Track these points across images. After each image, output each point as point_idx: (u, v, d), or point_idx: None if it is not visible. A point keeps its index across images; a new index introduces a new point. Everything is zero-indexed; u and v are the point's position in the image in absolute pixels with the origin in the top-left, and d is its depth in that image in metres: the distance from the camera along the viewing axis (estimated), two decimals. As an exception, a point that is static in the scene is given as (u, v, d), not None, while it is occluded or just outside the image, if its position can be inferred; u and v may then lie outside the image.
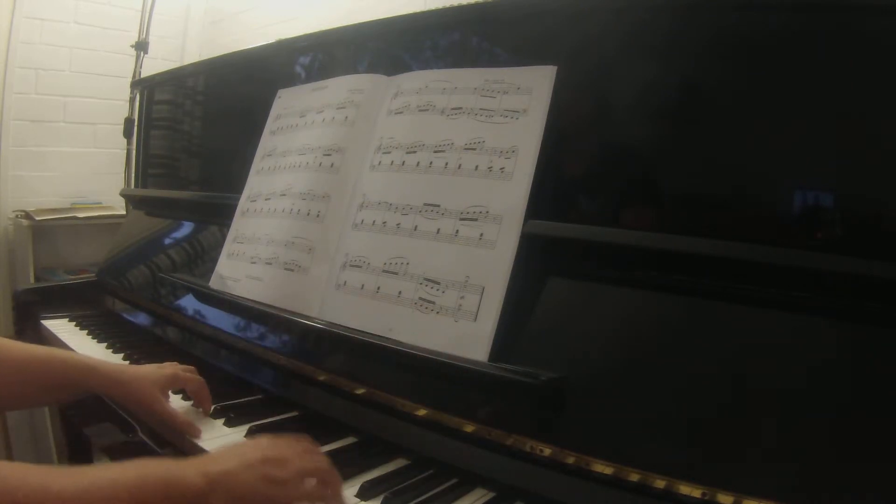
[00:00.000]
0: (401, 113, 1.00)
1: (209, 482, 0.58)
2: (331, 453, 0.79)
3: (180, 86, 1.73)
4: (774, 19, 0.72)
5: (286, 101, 1.24)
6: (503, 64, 0.93)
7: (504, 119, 0.88)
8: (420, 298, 0.86)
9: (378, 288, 0.91)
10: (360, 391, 0.87)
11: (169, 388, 0.90)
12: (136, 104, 1.92)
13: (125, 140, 2.10)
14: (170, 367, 0.92)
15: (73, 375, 0.85)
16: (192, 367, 0.95)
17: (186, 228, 1.47)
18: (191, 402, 0.93)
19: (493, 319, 0.79)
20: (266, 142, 1.24)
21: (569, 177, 0.88)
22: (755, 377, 0.63)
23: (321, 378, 0.93)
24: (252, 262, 1.12)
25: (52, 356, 0.87)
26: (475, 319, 0.80)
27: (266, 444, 0.66)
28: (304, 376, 0.95)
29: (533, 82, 0.87)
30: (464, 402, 0.78)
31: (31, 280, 2.46)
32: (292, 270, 1.04)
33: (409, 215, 0.92)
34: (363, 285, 0.93)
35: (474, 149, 0.89)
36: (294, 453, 0.66)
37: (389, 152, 0.99)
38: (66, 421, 1.55)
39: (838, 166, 0.67)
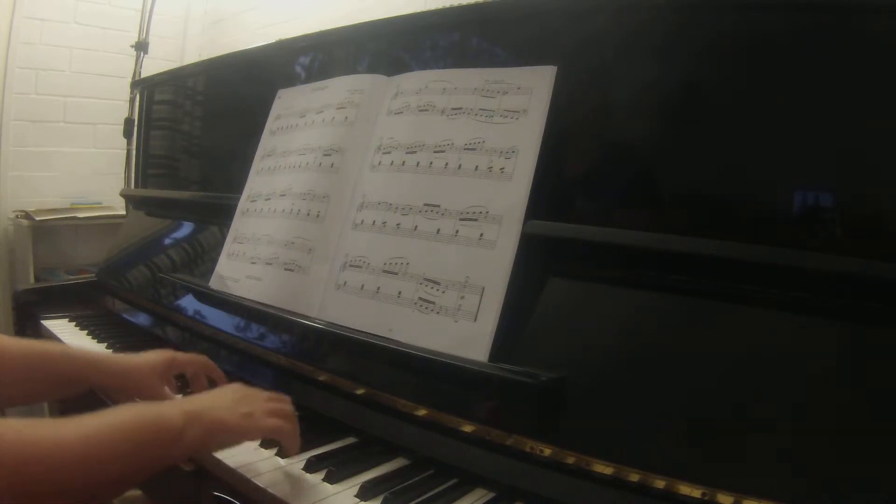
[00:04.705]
0: (401, 113, 1.00)
1: (187, 418, 0.66)
2: (331, 453, 0.80)
3: (180, 86, 1.73)
4: (774, 19, 0.72)
5: (286, 102, 1.24)
6: (503, 64, 0.93)
7: (504, 119, 0.88)
8: (420, 298, 0.86)
9: (378, 288, 0.91)
10: (360, 391, 0.87)
11: (169, 373, 0.90)
12: (136, 104, 1.92)
13: (125, 140, 2.11)
14: (167, 351, 0.91)
15: (71, 370, 0.85)
16: (198, 356, 0.94)
17: (186, 228, 1.47)
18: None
19: (493, 319, 0.79)
20: (266, 142, 1.24)
21: (569, 177, 0.88)
22: (755, 377, 0.63)
23: (321, 378, 0.93)
24: (252, 262, 1.12)
25: (50, 351, 0.86)
26: (475, 319, 0.80)
27: (236, 387, 0.76)
28: (304, 376, 0.95)
29: (533, 82, 0.87)
30: (464, 403, 0.78)
31: (31, 280, 2.46)
32: (292, 270, 1.04)
33: (409, 215, 0.92)
34: (363, 285, 0.93)
35: (474, 149, 0.89)
36: (261, 396, 0.75)
37: (389, 152, 0.99)
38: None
39: (838, 166, 0.67)
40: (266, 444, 0.79)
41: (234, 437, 0.71)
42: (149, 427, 0.64)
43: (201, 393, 0.76)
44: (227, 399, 0.72)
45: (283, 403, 0.76)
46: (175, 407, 0.68)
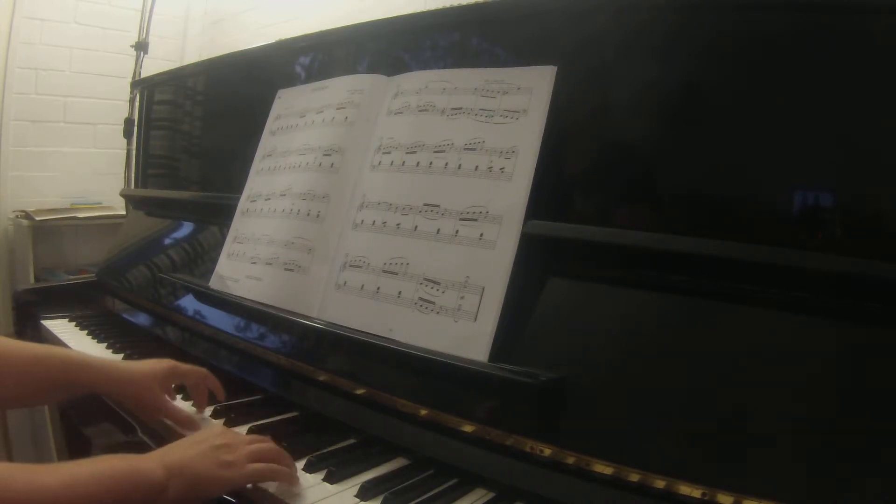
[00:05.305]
0: (401, 113, 1.00)
1: (168, 472, 0.65)
2: (331, 453, 0.80)
3: (180, 86, 1.73)
4: (774, 19, 0.72)
5: (286, 102, 1.24)
6: (503, 64, 0.93)
7: (504, 119, 0.88)
8: (420, 299, 0.86)
9: (378, 288, 0.91)
10: (360, 391, 0.87)
11: (169, 382, 0.90)
12: (136, 104, 1.92)
13: (125, 140, 2.11)
14: (168, 361, 0.91)
15: (71, 375, 0.85)
16: (199, 368, 0.94)
17: (186, 228, 1.47)
18: (191, 403, 0.93)
19: (493, 319, 0.79)
20: (266, 142, 1.24)
21: (569, 177, 0.88)
22: (755, 377, 0.63)
23: (321, 378, 0.93)
24: (252, 262, 1.12)
25: (51, 355, 0.86)
26: (475, 319, 0.80)
27: (217, 433, 0.74)
28: (304, 376, 0.95)
29: (533, 82, 0.87)
30: (464, 403, 0.78)
31: (31, 280, 2.46)
32: (292, 270, 1.04)
33: (409, 215, 0.92)
34: (363, 285, 0.93)
35: (474, 149, 0.89)
36: (242, 439, 0.73)
37: (389, 152, 0.99)
38: (66, 421, 1.54)
39: (838, 166, 0.67)
40: None
41: (216, 489, 0.69)
42: (129, 479, 0.62)
43: (181, 441, 0.73)
44: (208, 446, 0.70)
45: (265, 443, 0.74)
46: (156, 461, 0.66)
